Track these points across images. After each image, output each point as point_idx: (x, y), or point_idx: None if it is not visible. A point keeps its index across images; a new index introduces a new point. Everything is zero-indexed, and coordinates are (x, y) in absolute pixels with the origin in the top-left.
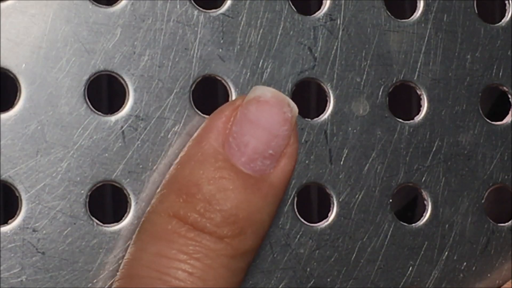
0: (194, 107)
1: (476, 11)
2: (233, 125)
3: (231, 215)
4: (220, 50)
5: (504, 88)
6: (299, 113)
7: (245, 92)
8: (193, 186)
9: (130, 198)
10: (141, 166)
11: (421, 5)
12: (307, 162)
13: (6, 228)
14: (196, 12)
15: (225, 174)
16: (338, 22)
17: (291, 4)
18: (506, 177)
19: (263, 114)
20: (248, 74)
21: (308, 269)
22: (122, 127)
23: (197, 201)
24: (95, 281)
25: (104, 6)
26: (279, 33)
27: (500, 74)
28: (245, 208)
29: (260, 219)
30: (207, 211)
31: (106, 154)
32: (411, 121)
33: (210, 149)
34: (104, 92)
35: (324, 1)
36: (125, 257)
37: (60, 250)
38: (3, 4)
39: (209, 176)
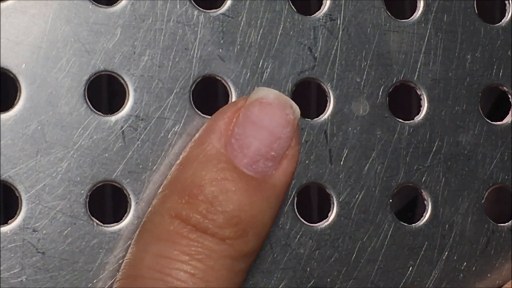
0: (194, 107)
1: (476, 11)
2: (236, 126)
3: (233, 216)
4: (220, 50)
5: (504, 88)
6: None
7: (245, 92)
8: (195, 187)
9: (130, 198)
10: (141, 166)
11: (421, 5)
12: (307, 162)
13: (6, 228)
14: (196, 12)
15: (228, 175)
16: (338, 22)
17: (291, 4)
18: (506, 177)
19: (266, 116)
20: (248, 74)
21: (308, 269)
22: (122, 127)
23: (200, 202)
24: (95, 281)
25: (104, 6)
26: (279, 33)
27: (500, 74)
28: (247, 209)
29: (262, 220)
30: (210, 212)
31: (106, 154)
32: (411, 121)
33: (213, 150)
34: (104, 92)
35: (324, 1)
36: (126, 258)
37: (60, 250)
38: (3, 4)
39: (212, 177)
